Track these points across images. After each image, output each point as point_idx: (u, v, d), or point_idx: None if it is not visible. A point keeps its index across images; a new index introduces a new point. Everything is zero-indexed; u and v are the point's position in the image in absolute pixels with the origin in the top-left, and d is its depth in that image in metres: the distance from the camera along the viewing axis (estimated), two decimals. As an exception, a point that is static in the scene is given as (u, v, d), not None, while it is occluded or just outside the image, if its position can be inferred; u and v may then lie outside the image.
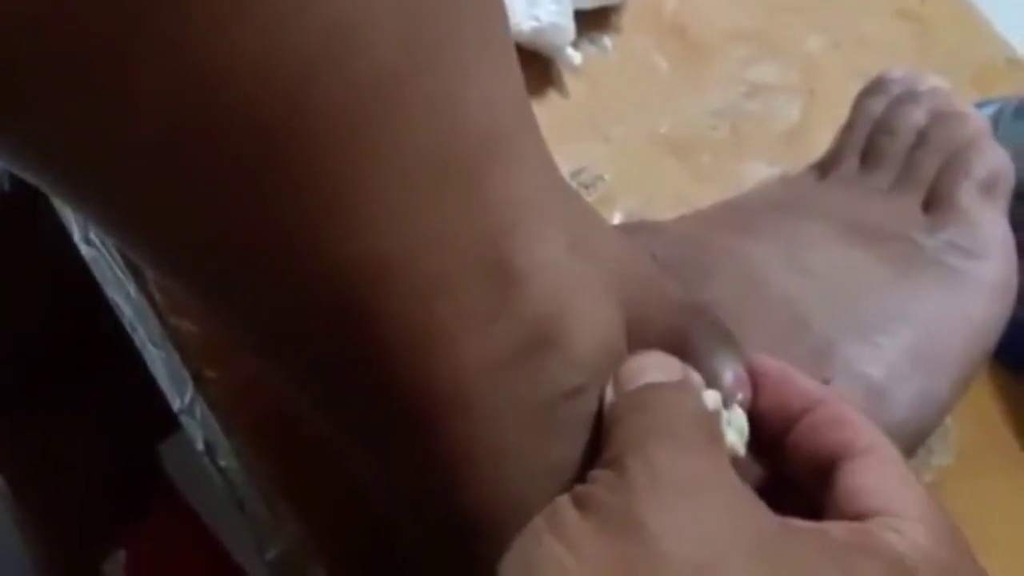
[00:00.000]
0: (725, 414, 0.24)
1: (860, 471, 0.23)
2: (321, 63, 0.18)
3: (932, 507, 0.22)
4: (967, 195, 0.35)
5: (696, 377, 0.24)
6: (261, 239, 0.19)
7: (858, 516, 0.22)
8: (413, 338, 0.21)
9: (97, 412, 0.72)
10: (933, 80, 0.40)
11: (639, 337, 0.24)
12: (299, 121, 0.18)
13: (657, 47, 0.48)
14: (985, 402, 0.45)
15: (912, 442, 0.32)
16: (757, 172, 0.45)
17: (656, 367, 0.23)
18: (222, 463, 0.33)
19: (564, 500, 0.21)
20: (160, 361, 0.34)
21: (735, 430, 0.24)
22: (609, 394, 0.23)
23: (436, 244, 0.20)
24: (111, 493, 0.72)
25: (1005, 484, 0.43)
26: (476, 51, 0.21)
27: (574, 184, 0.42)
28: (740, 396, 0.25)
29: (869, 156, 0.38)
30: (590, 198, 0.41)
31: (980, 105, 0.47)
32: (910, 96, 0.39)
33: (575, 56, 0.43)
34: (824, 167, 0.40)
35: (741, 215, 0.37)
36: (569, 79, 0.45)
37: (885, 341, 0.31)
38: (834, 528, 0.21)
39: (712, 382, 0.24)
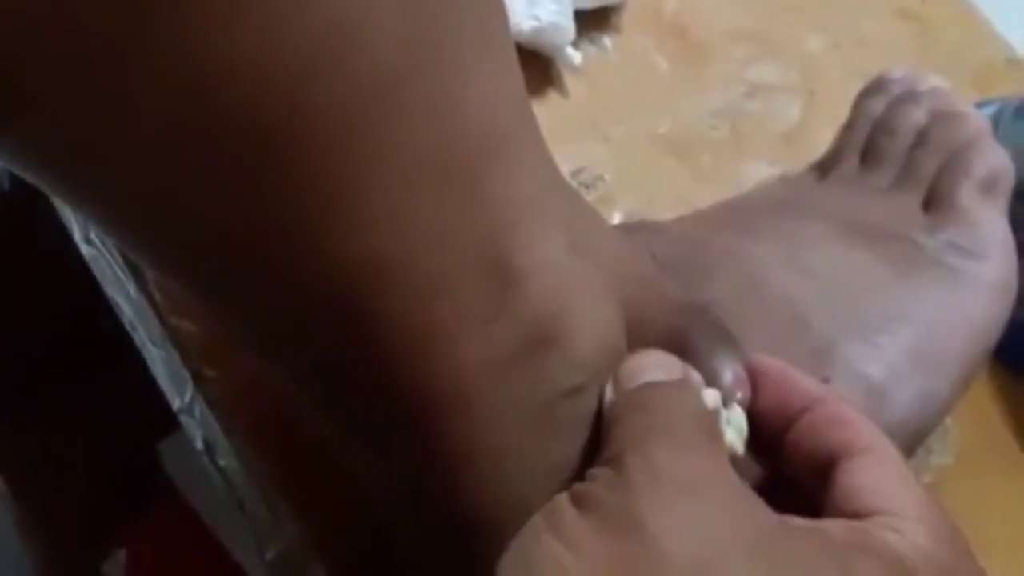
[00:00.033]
0: (724, 413, 0.24)
1: (859, 470, 0.23)
2: (321, 63, 0.18)
3: (931, 507, 0.22)
4: (967, 195, 0.35)
5: (696, 376, 0.24)
6: (261, 239, 0.19)
7: (857, 515, 0.22)
8: (413, 338, 0.21)
9: (97, 412, 0.72)
10: (933, 80, 0.40)
11: (639, 337, 0.24)
12: (299, 121, 0.18)
13: (657, 47, 0.48)
14: (985, 402, 0.45)
15: (912, 442, 0.32)
16: (757, 172, 0.45)
17: (656, 366, 0.23)
18: (222, 463, 0.33)
19: (563, 499, 0.21)
20: (160, 360, 0.34)
21: (734, 429, 0.24)
22: (609, 393, 0.23)
23: (436, 244, 0.20)
24: (111, 493, 0.72)
25: (1004, 484, 0.43)
26: (476, 51, 0.21)
27: (574, 184, 0.42)
28: (739, 395, 0.25)
29: (869, 156, 0.38)
30: (590, 198, 0.42)
31: (980, 105, 0.47)
32: (910, 96, 0.39)
33: (575, 56, 0.43)
34: (824, 167, 0.40)
35: (741, 215, 0.37)
36: (569, 79, 0.45)
37: (885, 341, 0.31)
38: (833, 527, 0.21)
39: (712, 381, 0.24)
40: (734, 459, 0.23)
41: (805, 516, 0.22)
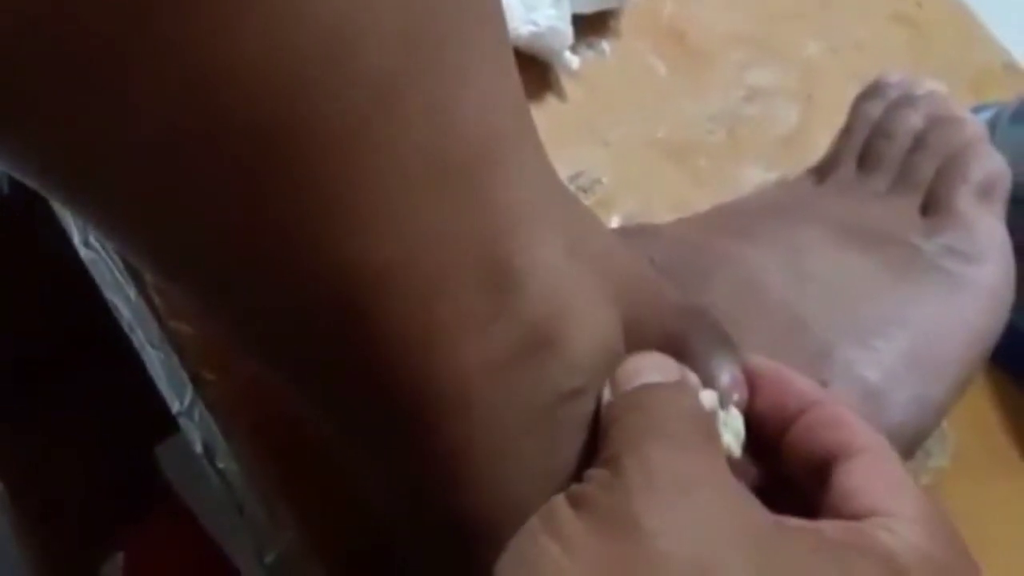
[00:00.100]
0: (722, 415, 0.24)
1: (856, 471, 0.23)
2: (321, 64, 0.18)
3: (929, 507, 0.22)
4: (964, 199, 0.35)
5: (693, 378, 0.24)
6: (261, 239, 0.19)
7: (854, 516, 0.22)
8: (413, 339, 0.21)
9: (96, 414, 0.72)
10: (930, 84, 0.40)
11: (637, 339, 0.24)
12: (299, 122, 0.18)
13: (655, 51, 0.48)
14: (982, 406, 0.45)
15: (909, 445, 0.32)
16: (755, 176, 0.46)
17: (653, 368, 0.23)
18: (221, 466, 0.33)
19: (560, 499, 0.21)
20: (159, 363, 0.34)
21: (731, 431, 0.24)
22: (606, 394, 0.23)
23: (435, 245, 0.20)
24: (110, 495, 0.72)
25: (1001, 487, 0.43)
26: (475, 54, 0.21)
27: (572, 188, 0.42)
28: (736, 397, 0.25)
29: (866, 160, 0.39)
30: (588, 202, 0.42)
31: (977, 110, 0.48)
32: (907, 100, 0.39)
33: (573, 60, 0.43)
34: (822, 171, 0.40)
35: (739, 219, 0.37)
36: (567, 83, 0.45)
37: (882, 345, 0.31)
38: (829, 527, 0.21)
39: (709, 383, 0.24)
40: (731, 460, 0.23)
41: (802, 517, 0.22)
